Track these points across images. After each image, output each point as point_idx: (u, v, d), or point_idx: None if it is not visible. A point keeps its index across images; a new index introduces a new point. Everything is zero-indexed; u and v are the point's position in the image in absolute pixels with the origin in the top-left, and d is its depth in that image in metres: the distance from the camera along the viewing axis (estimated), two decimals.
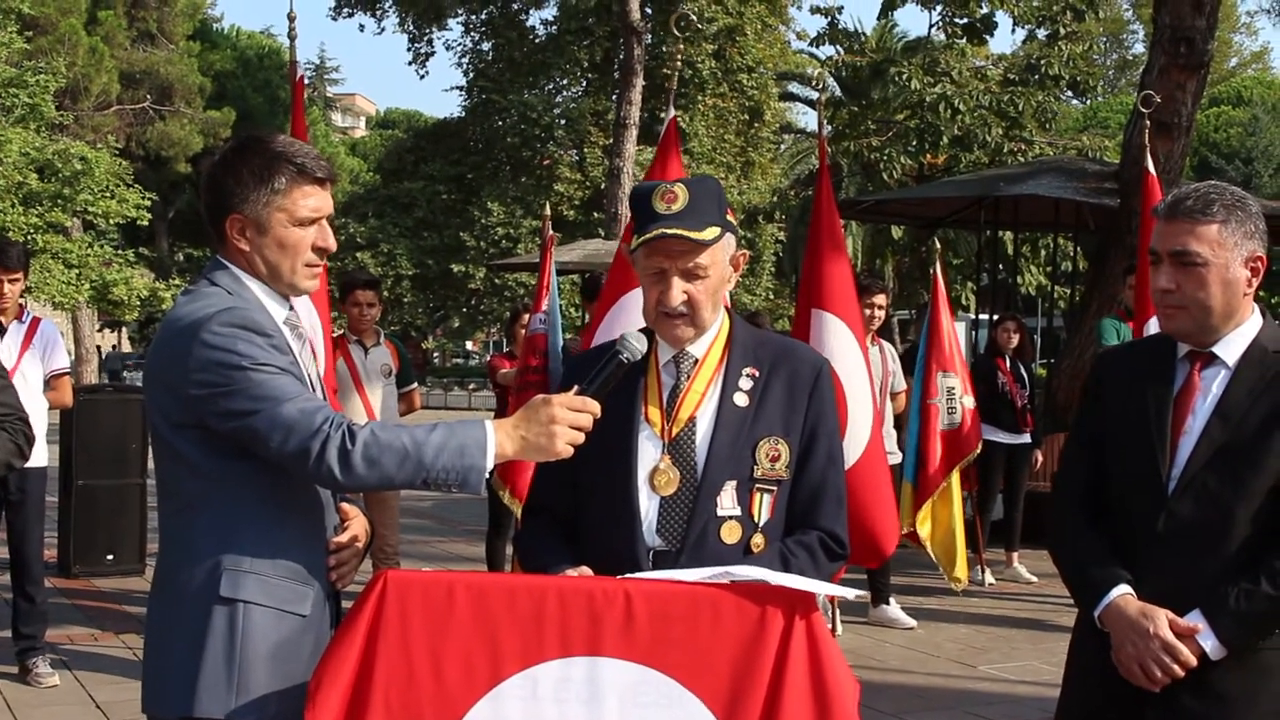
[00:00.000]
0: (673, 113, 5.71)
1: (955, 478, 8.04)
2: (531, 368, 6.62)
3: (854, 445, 5.67)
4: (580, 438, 2.35)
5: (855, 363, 5.95)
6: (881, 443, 6.09)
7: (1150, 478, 2.62)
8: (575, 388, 2.41)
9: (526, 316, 7.75)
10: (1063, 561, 2.82)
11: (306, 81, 5.72)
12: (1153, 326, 6.65)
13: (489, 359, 9.06)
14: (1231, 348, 2.65)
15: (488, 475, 2.35)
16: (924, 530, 7.95)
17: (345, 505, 2.63)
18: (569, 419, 2.33)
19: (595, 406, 2.37)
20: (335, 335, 7.36)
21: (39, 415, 6.28)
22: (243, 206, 2.47)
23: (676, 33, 5.97)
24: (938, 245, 8.80)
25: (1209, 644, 2.53)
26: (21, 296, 6.37)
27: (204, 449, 2.39)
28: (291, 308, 2.60)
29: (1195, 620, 2.54)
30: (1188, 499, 2.59)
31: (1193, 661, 2.53)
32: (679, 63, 6.08)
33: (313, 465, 2.28)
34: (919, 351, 8.38)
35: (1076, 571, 2.75)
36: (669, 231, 2.50)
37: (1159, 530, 2.60)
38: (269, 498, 2.41)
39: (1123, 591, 2.61)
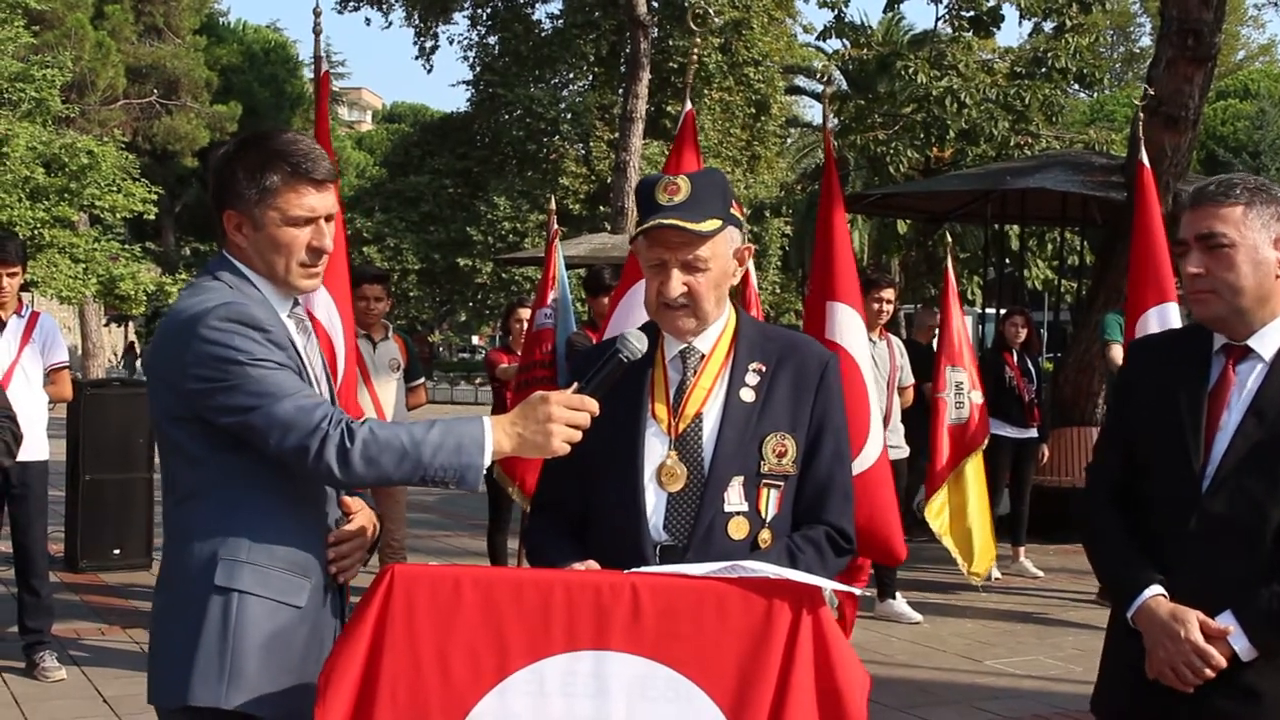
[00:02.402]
0: (689, 106, 5.68)
1: (972, 470, 8.03)
2: (538, 363, 6.59)
3: (873, 444, 5.58)
4: (578, 436, 2.35)
5: (869, 357, 5.93)
6: (886, 442, 6.04)
7: (1183, 474, 2.58)
8: (574, 385, 2.41)
9: (523, 310, 7.72)
10: (1096, 559, 2.80)
11: (310, 75, 5.69)
12: (1149, 320, 6.61)
13: (487, 354, 9.02)
14: (1267, 341, 2.60)
15: (486, 471, 2.35)
16: (939, 523, 7.95)
17: (348, 499, 2.62)
18: (566, 417, 2.33)
19: (593, 405, 2.37)
20: None
21: (39, 409, 6.30)
22: (238, 203, 2.48)
23: (695, 26, 5.94)
24: (948, 239, 8.78)
25: (1240, 645, 2.51)
26: (22, 291, 6.38)
27: (202, 441, 2.40)
28: (298, 303, 2.60)
29: (1226, 621, 2.52)
30: (1221, 497, 2.55)
31: (1223, 664, 2.51)
32: (695, 56, 6.04)
33: (311, 463, 2.29)
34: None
35: (1110, 570, 2.74)
36: (666, 222, 2.50)
37: (1191, 528, 2.57)
38: (267, 489, 2.42)
39: (1155, 593, 2.58)
